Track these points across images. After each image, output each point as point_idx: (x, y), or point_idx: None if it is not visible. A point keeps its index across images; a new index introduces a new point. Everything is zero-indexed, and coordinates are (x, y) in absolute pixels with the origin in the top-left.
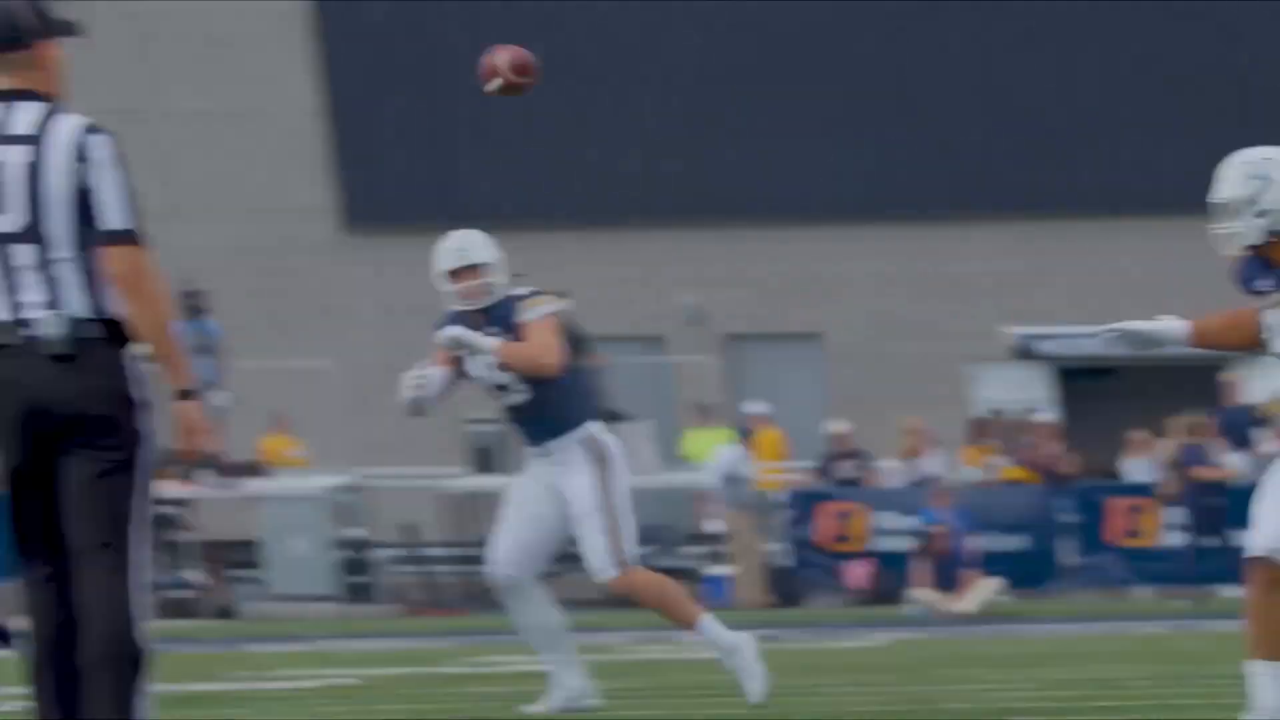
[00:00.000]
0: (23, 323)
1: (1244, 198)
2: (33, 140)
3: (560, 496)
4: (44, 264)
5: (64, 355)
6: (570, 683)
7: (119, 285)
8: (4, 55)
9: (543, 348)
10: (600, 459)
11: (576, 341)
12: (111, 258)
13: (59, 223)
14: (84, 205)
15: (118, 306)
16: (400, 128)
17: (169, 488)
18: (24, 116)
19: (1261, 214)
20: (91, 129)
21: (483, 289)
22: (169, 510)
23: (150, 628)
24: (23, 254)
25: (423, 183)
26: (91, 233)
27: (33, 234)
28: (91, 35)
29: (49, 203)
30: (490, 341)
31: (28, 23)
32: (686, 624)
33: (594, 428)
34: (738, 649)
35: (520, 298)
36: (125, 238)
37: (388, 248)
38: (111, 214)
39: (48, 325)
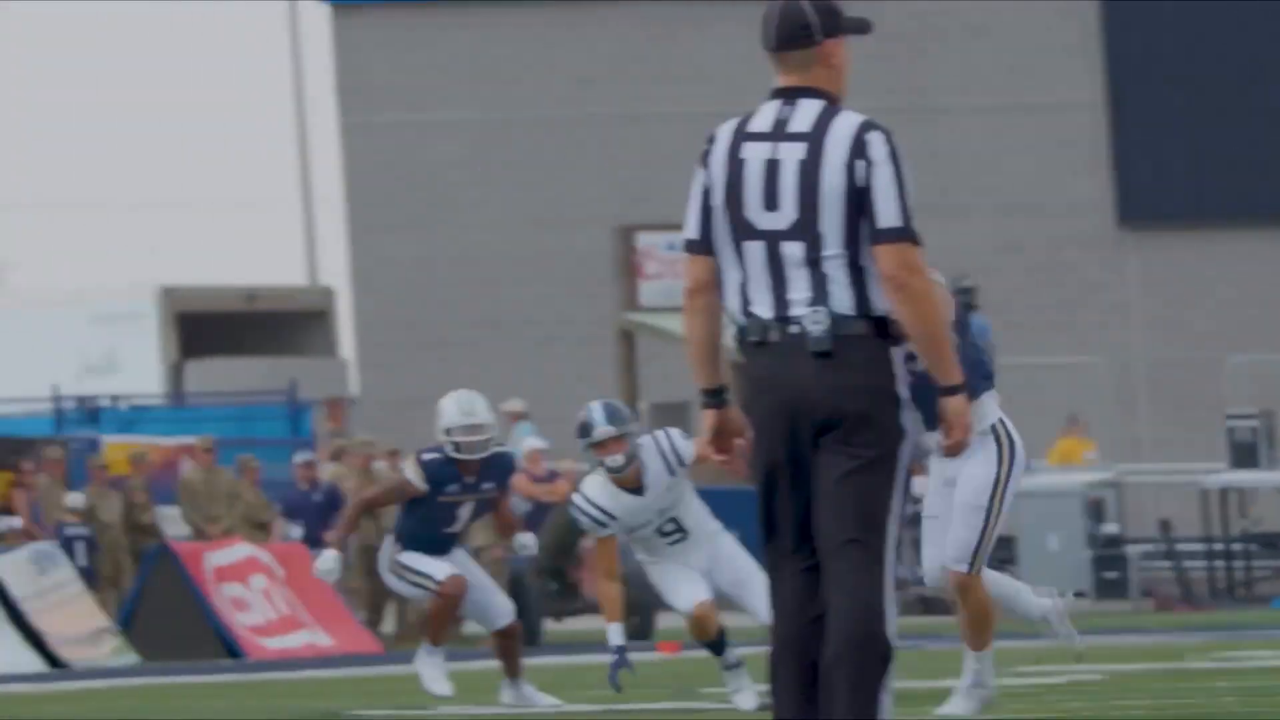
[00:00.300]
0: (787, 319)
1: None
2: (810, 138)
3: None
4: (812, 261)
5: (825, 352)
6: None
7: (888, 282)
8: (792, 53)
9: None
10: (1005, 452)
11: None
12: (882, 255)
13: (831, 220)
14: (857, 202)
15: (885, 303)
16: (1176, 124)
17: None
18: (804, 114)
19: None
20: (870, 126)
21: None
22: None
23: (897, 624)
24: (792, 251)
25: (1195, 179)
26: (863, 230)
27: (803, 231)
28: (876, 32)
29: (822, 200)
30: None
31: (817, 21)
32: (981, 645)
33: (1000, 412)
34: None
35: None
36: (897, 235)
37: (1160, 244)
38: (885, 211)
39: (810, 322)
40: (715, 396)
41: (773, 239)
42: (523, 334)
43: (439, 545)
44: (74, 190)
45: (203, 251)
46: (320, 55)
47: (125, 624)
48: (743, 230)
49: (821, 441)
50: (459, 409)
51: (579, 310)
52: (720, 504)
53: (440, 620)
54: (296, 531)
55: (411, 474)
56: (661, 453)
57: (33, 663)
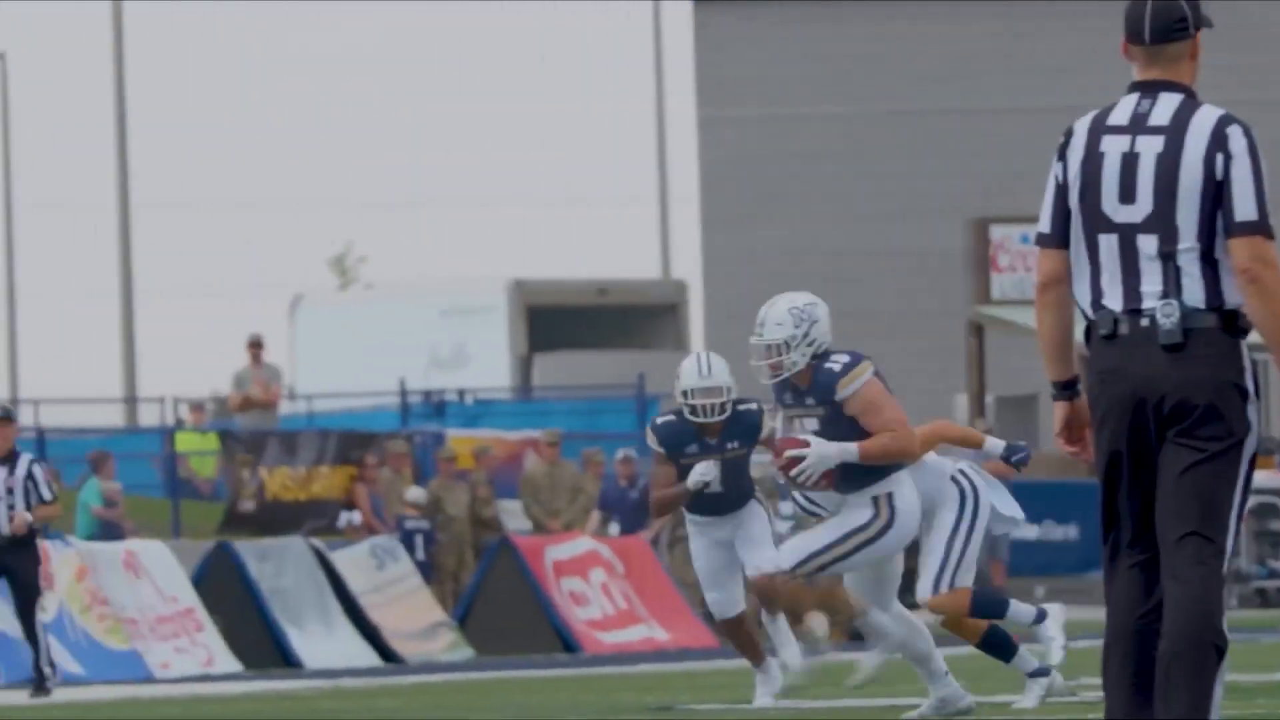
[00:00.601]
0: (1138, 312)
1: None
2: (1169, 131)
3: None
4: (1166, 254)
5: (1175, 345)
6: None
7: (1241, 275)
8: (1166, 46)
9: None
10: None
11: None
12: (1237, 248)
13: (1187, 213)
14: (1215, 195)
15: (1236, 297)
16: None
17: (1269, 477)
18: (1163, 107)
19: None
20: (1230, 119)
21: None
22: (1268, 499)
23: (1232, 618)
24: (1146, 244)
25: None
26: (1218, 223)
27: (1158, 224)
28: (1228, 24)
29: (1179, 193)
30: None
31: (1190, 14)
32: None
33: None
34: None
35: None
36: (1253, 228)
37: None
38: (1242, 204)
39: (1161, 315)
40: (1067, 389)
41: (1127, 232)
42: (873, 327)
43: (712, 505)
44: (428, 185)
45: (555, 245)
46: (681, 51)
47: (462, 618)
48: (1097, 223)
49: (1167, 434)
50: (696, 370)
51: (930, 303)
52: (1059, 497)
53: (738, 646)
54: (614, 527)
55: (650, 441)
56: None
57: (368, 657)
